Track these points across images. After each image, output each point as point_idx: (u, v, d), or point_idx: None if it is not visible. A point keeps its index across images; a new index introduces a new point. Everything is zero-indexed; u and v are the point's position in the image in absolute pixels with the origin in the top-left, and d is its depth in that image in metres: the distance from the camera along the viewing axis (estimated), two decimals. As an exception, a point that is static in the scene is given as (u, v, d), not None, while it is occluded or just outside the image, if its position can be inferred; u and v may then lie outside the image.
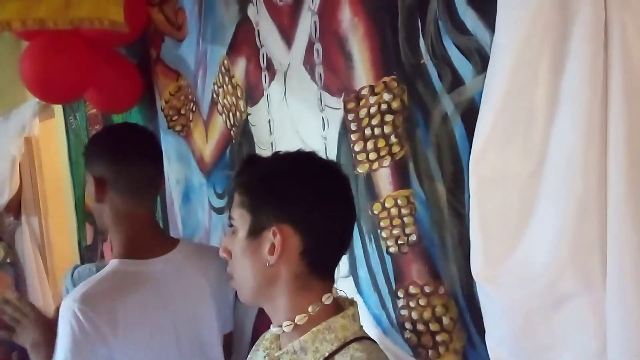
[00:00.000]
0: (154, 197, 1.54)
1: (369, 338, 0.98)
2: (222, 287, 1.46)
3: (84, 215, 2.91)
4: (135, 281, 1.37)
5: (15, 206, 3.81)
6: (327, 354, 0.93)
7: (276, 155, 1.05)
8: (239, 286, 1.02)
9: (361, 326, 1.00)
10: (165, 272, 1.41)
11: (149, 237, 1.45)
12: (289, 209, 0.95)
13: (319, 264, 0.97)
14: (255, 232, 0.97)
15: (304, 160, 1.02)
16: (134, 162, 1.44)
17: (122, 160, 1.43)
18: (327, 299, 0.97)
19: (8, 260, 3.78)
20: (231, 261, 1.01)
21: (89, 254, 2.91)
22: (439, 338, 1.22)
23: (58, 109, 3.01)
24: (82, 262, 2.94)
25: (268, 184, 0.97)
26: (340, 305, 1.00)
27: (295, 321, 0.96)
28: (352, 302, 1.01)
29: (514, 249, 0.86)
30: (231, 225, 1.01)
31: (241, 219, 0.98)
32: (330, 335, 0.94)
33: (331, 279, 1.01)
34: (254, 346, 1.11)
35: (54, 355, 1.31)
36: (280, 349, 1.00)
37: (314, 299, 0.97)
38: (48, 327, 1.47)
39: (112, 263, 1.39)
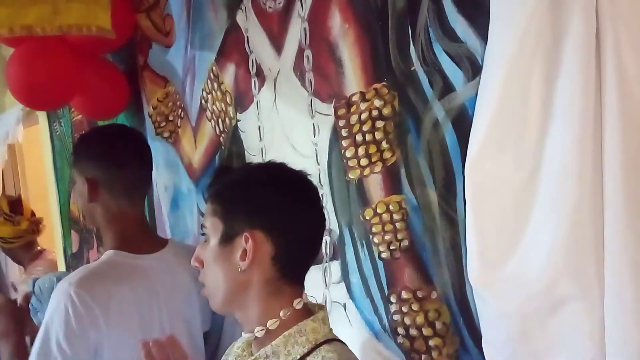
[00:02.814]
0: (144, 198, 1.57)
1: (339, 340, 1.00)
2: None
3: (69, 222, 2.88)
4: (129, 272, 1.40)
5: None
6: (298, 357, 0.95)
7: (247, 165, 1.09)
8: (211, 294, 1.02)
9: (331, 329, 1.02)
10: (156, 268, 1.44)
11: (140, 235, 1.48)
12: (261, 215, 0.98)
13: (290, 269, 1.00)
14: (227, 239, 0.98)
15: (275, 169, 1.05)
16: (127, 164, 1.47)
17: (115, 162, 1.46)
18: (298, 304, 0.99)
19: None
20: (203, 270, 1.03)
21: (75, 261, 2.88)
22: (431, 343, 1.23)
23: (42, 115, 2.97)
24: (68, 269, 2.91)
25: (240, 191, 1.00)
26: (310, 310, 1.02)
27: (267, 326, 0.98)
28: (322, 307, 1.04)
29: (510, 254, 0.87)
30: (203, 234, 1.02)
31: (213, 227, 1.00)
32: (302, 339, 0.97)
33: (301, 284, 1.03)
34: (224, 355, 1.12)
35: (39, 337, 1.32)
36: (252, 355, 1.01)
37: (285, 304, 0.99)
38: (16, 316, 1.48)
39: (107, 253, 1.43)
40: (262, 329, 0.98)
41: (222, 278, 0.99)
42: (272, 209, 0.98)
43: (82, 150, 1.51)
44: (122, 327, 1.35)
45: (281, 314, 0.98)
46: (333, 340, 0.99)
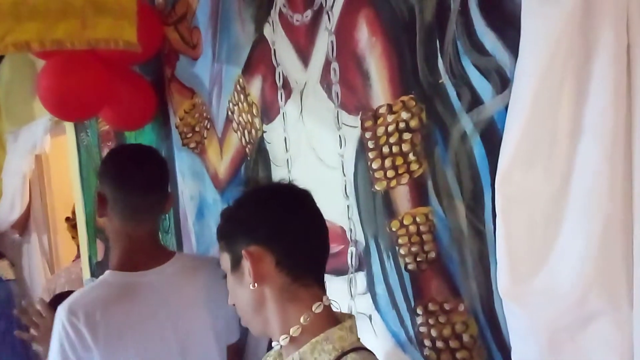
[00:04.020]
0: (155, 220, 1.57)
1: (366, 349, 1.02)
2: (217, 298, 1.48)
3: (94, 231, 2.92)
4: (124, 292, 1.43)
5: (21, 223, 3.83)
6: None
7: (237, 196, 1.13)
8: (244, 320, 1.09)
9: (358, 338, 1.03)
10: (156, 283, 1.46)
11: (144, 254, 1.50)
12: (251, 231, 1.03)
13: (298, 271, 1.03)
14: (235, 265, 1.05)
15: (257, 189, 1.16)
16: (134, 190, 1.49)
17: (122, 187, 1.49)
18: (317, 308, 1.01)
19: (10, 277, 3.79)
20: (236, 305, 1.09)
21: (100, 269, 2.91)
22: (458, 355, 1.23)
23: (70, 125, 3.03)
24: (92, 277, 2.96)
25: (231, 220, 1.08)
26: (337, 318, 1.04)
27: (290, 333, 1.00)
28: (351, 316, 1.06)
29: (540, 267, 0.87)
30: (225, 277, 1.09)
31: (224, 261, 1.07)
32: (328, 346, 0.98)
33: (319, 287, 1.05)
34: None
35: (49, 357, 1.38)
36: None
37: (304, 309, 1.01)
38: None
39: (105, 274, 1.47)
40: (287, 337, 1.01)
41: (243, 301, 1.05)
42: (259, 220, 1.04)
43: (102, 165, 1.57)
44: (112, 346, 1.38)
45: (301, 319, 1.00)
46: (360, 348, 1.00)
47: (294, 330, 1.00)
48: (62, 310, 1.38)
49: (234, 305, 1.09)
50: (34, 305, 1.62)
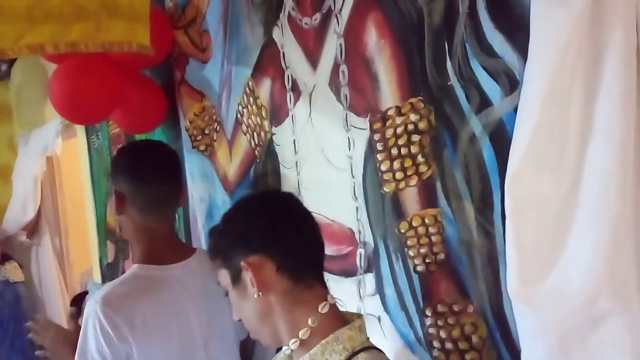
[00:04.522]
0: (173, 212, 1.61)
1: (376, 348, 1.02)
2: None
3: (105, 233, 2.95)
4: (153, 284, 1.45)
5: (31, 225, 3.86)
6: None
7: (225, 212, 1.14)
8: (253, 332, 1.09)
9: (368, 337, 1.04)
10: (181, 277, 1.48)
11: (166, 248, 1.52)
12: (246, 242, 1.04)
13: (300, 273, 1.04)
14: (236, 280, 1.05)
15: (243, 202, 1.15)
16: (152, 181, 1.51)
17: (141, 179, 1.50)
18: (323, 308, 1.02)
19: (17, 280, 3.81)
20: (242, 320, 1.10)
21: (110, 271, 2.94)
22: (468, 357, 1.23)
23: (81, 128, 3.06)
24: (104, 280, 2.98)
25: (223, 236, 1.08)
26: (346, 319, 1.04)
27: (300, 336, 1.01)
28: (360, 316, 1.07)
29: (550, 269, 0.87)
30: (226, 294, 1.10)
31: (223, 278, 1.08)
32: (339, 346, 0.98)
33: (321, 286, 1.06)
34: None
35: (76, 355, 1.39)
36: None
37: (310, 310, 1.02)
38: (71, 342, 1.53)
39: (133, 268, 1.48)
40: (296, 340, 1.01)
41: (250, 313, 1.06)
42: (252, 230, 1.05)
43: (115, 163, 1.59)
44: (148, 339, 1.40)
45: (309, 321, 1.01)
46: (370, 348, 1.01)
47: (303, 333, 1.01)
48: (94, 303, 1.39)
49: (239, 320, 1.10)
50: (41, 322, 1.68)
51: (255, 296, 1.01)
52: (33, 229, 3.89)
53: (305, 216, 1.10)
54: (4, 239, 3.80)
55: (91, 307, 1.39)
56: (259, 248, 1.03)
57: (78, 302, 1.61)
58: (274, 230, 1.05)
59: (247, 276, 1.02)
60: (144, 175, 1.50)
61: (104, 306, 1.37)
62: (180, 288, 1.47)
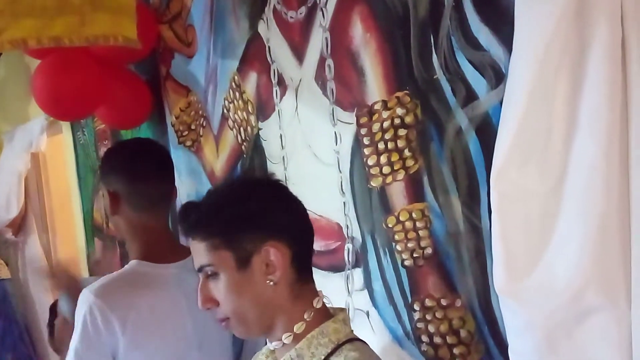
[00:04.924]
0: (168, 210, 1.59)
1: (360, 339, 1.01)
2: None
3: (92, 230, 2.92)
4: (151, 281, 1.43)
5: (17, 222, 3.81)
6: (323, 357, 0.96)
7: (213, 191, 1.06)
8: (240, 323, 1.00)
9: (352, 330, 1.03)
10: (179, 277, 1.46)
11: (164, 246, 1.50)
12: (269, 225, 0.98)
13: (304, 267, 1.01)
14: (243, 263, 0.97)
15: (248, 181, 1.10)
16: (147, 179, 1.49)
17: (136, 178, 1.48)
18: (317, 303, 1.01)
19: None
20: (220, 307, 1.00)
21: (97, 268, 2.91)
22: (456, 351, 1.23)
23: (66, 125, 3.03)
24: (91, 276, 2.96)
25: (234, 214, 0.98)
26: (329, 313, 1.03)
27: (295, 330, 0.98)
28: (342, 309, 1.05)
29: (537, 263, 0.87)
30: (209, 275, 0.99)
31: (220, 260, 0.98)
32: (324, 339, 0.98)
33: (314, 282, 1.04)
34: None
35: (71, 343, 1.39)
36: None
37: (307, 305, 1.00)
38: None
39: (131, 263, 1.47)
40: (290, 335, 0.98)
41: (249, 302, 0.98)
42: (275, 214, 0.99)
43: (106, 164, 1.56)
44: (139, 335, 1.38)
45: (305, 315, 0.99)
46: (354, 339, 1.00)
47: (298, 327, 0.98)
48: (89, 293, 1.37)
49: (217, 307, 1.00)
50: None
51: (271, 284, 0.96)
52: (19, 226, 3.85)
53: (304, 206, 1.06)
54: None
55: (85, 296, 1.38)
56: (279, 234, 0.97)
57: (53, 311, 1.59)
58: (290, 217, 1.00)
59: (261, 262, 0.96)
60: (140, 174, 1.48)
61: (97, 298, 1.36)
62: (177, 287, 1.45)
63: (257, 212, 0.98)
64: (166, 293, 1.44)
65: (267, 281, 0.97)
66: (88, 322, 1.35)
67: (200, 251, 0.99)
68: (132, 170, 1.48)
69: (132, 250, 1.51)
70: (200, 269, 1.00)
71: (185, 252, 1.53)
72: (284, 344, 1.00)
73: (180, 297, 1.45)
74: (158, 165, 1.53)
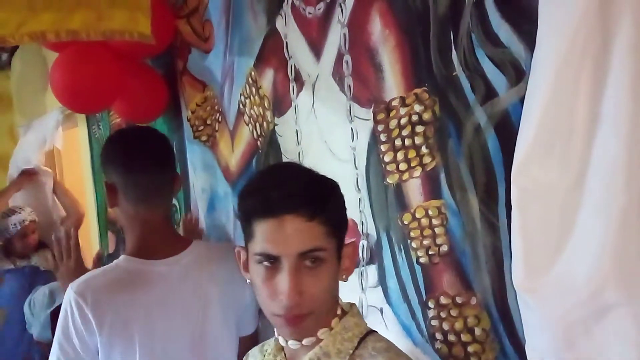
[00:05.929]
0: (167, 202, 1.55)
1: (375, 331, 1.04)
2: (232, 289, 1.48)
3: (106, 223, 2.94)
4: (134, 279, 1.41)
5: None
6: (351, 352, 0.98)
7: (315, 179, 1.00)
8: (314, 320, 0.96)
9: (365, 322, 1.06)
10: (167, 274, 1.44)
11: (159, 239, 1.48)
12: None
13: None
14: (339, 255, 0.99)
15: (318, 174, 1.02)
16: (141, 170, 1.46)
17: (129, 169, 1.45)
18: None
19: None
20: (307, 300, 0.93)
21: (110, 261, 2.93)
22: (470, 349, 1.22)
23: (81, 118, 3.05)
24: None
25: (343, 206, 1.02)
26: (343, 307, 1.04)
27: (332, 326, 1.00)
28: (352, 304, 1.06)
29: (556, 260, 0.87)
30: (314, 261, 0.93)
31: (331, 246, 0.95)
32: (348, 334, 1.00)
33: None
34: (250, 358, 1.14)
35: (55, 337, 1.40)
36: None
37: (338, 301, 1.03)
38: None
39: (119, 259, 1.45)
40: (326, 330, 0.99)
41: (328, 292, 0.97)
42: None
43: (104, 153, 1.53)
44: (118, 337, 1.37)
45: (338, 311, 1.01)
46: (373, 331, 1.03)
47: (335, 323, 1.00)
48: (71, 290, 1.37)
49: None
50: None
51: (345, 277, 1.00)
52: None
53: None
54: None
55: (67, 292, 1.37)
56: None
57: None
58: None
59: (347, 254, 1.00)
60: (132, 165, 1.45)
61: (77, 295, 1.35)
62: (163, 286, 1.42)
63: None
64: (150, 290, 1.41)
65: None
66: (69, 317, 1.36)
67: (315, 234, 0.92)
68: (125, 160, 1.46)
69: (127, 242, 1.50)
70: (306, 253, 0.92)
71: (182, 246, 1.50)
72: (301, 345, 0.99)
73: (167, 294, 1.42)
74: (154, 155, 1.50)
